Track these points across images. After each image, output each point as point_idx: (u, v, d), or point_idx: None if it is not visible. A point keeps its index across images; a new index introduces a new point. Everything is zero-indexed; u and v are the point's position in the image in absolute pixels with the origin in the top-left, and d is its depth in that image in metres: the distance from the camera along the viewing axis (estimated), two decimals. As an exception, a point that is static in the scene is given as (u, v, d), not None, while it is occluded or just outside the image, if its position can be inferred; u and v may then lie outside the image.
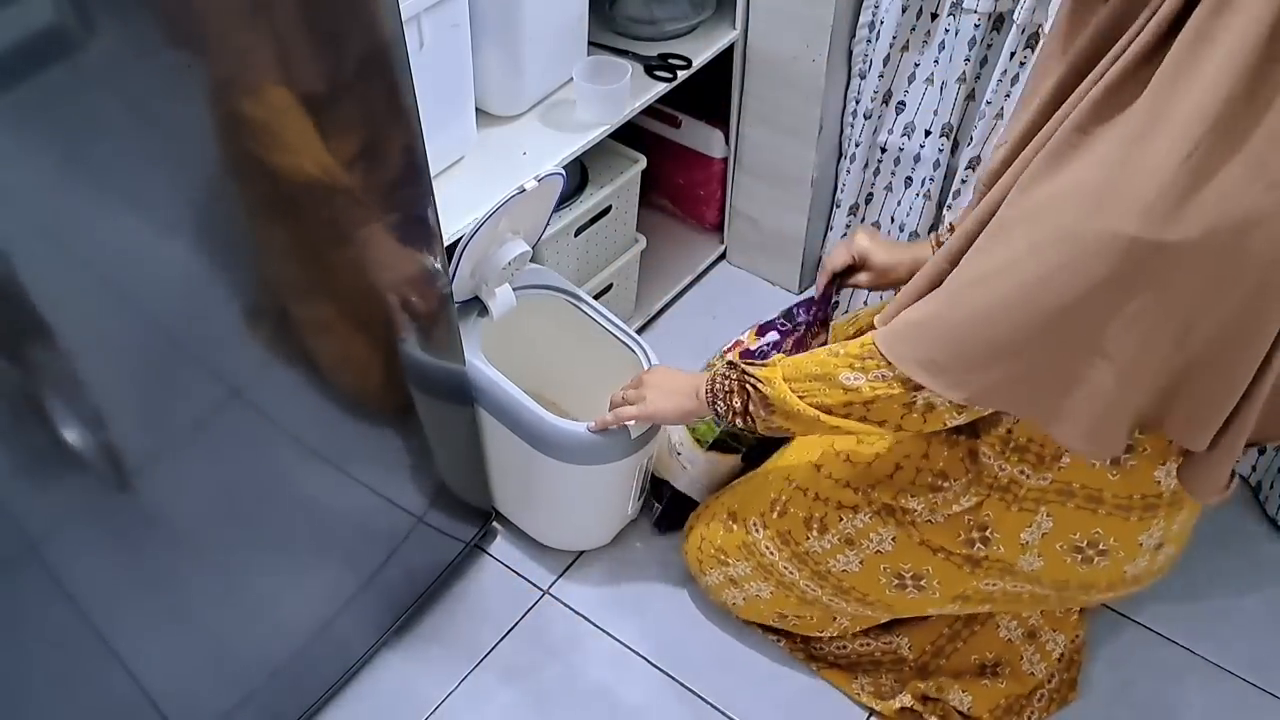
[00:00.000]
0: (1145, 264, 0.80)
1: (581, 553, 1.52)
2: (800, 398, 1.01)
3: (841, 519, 1.19)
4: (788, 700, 1.37)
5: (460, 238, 1.24)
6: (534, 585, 1.49)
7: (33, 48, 0.66)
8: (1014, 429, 1.05)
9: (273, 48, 0.82)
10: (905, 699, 1.33)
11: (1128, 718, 1.35)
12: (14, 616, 0.87)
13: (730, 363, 1.10)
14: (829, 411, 1.00)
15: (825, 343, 1.34)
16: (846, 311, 1.73)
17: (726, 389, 1.09)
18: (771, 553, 1.27)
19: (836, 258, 1.28)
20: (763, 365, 1.07)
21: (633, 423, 1.26)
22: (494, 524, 1.52)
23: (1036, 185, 0.85)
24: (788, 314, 1.38)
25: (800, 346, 1.35)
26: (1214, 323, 0.84)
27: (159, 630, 1.03)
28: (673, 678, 1.40)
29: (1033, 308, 0.86)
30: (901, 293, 1.00)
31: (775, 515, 1.26)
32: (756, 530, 1.28)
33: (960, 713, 1.33)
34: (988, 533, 1.10)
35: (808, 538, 1.22)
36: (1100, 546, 1.07)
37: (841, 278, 1.30)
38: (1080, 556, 1.08)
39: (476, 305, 1.36)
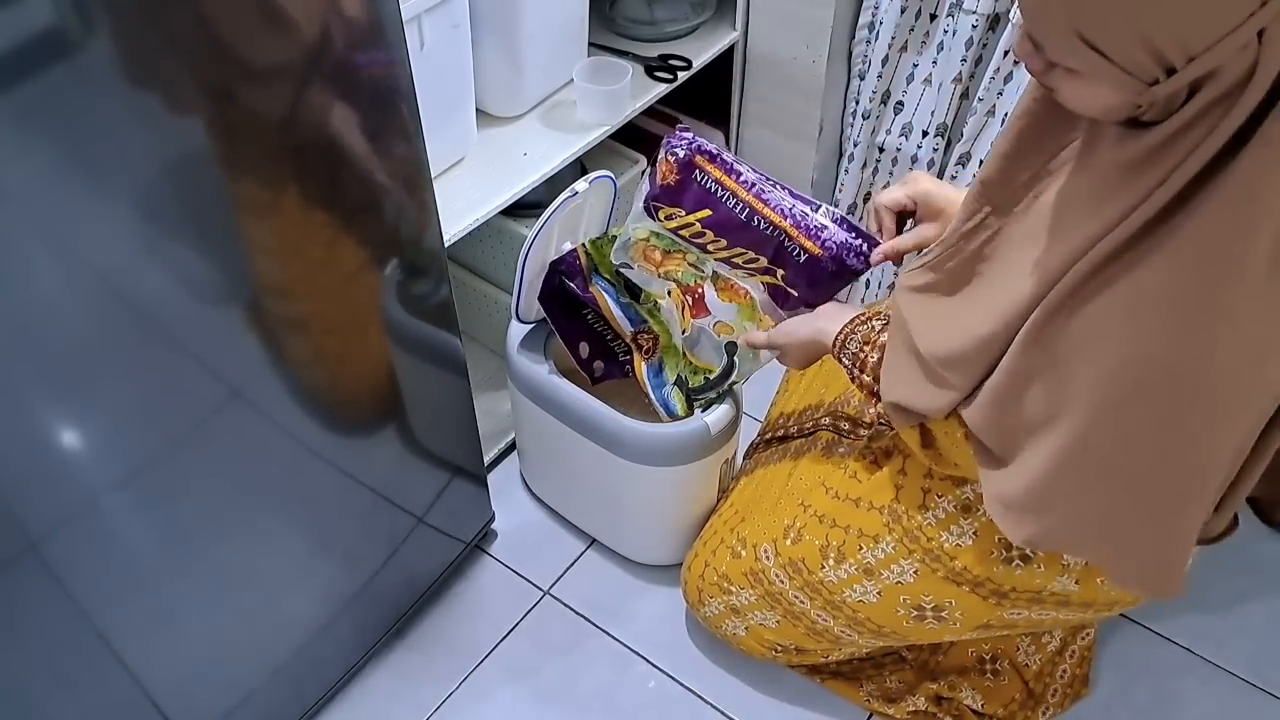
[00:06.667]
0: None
1: (582, 553, 1.53)
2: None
3: (861, 548, 1.13)
4: (788, 700, 1.37)
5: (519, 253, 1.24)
6: (534, 585, 1.49)
7: (33, 48, 0.66)
8: None
9: (272, 50, 0.82)
10: (919, 702, 1.32)
11: (1128, 718, 1.35)
12: (14, 616, 0.87)
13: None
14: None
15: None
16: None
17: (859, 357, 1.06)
18: (781, 581, 1.20)
19: (890, 196, 1.11)
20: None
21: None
22: (494, 526, 1.52)
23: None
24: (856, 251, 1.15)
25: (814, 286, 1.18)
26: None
27: (159, 630, 1.03)
28: (673, 678, 1.40)
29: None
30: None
31: (789, 542, 1.19)
32: (767, 557, 1.22)
33: (975, 711, 1.32)
34: (1028, 549, 1.03)
35: (823, 566, 1.16)
36: None
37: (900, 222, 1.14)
38: None
39: (547, 327, 1.39)
